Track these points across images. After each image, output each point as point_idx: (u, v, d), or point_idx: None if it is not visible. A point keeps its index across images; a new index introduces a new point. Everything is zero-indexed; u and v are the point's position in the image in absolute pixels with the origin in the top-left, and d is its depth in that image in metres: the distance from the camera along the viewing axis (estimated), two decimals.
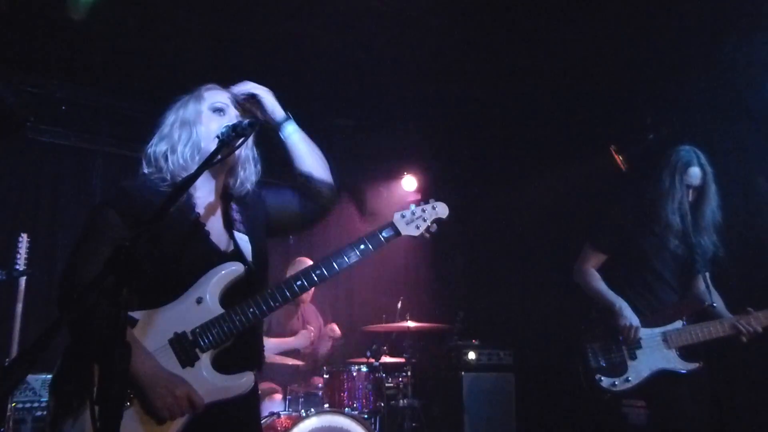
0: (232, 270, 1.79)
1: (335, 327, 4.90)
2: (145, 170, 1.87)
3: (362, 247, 1.90)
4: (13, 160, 4.72)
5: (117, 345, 1.22)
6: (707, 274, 3.14)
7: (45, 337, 1.14)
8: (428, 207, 2.02)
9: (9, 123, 4.61)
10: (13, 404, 3.51)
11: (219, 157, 1.70)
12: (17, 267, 3.70)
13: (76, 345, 1.67)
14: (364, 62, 4.49)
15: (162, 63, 4.26)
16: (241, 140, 1.72)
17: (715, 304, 3.10)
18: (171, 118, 1.92)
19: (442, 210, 2.04)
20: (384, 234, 1.96)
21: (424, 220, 2.00)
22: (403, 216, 2.00)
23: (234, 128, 1.72)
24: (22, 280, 3.70)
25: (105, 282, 1.24)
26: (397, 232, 1.97)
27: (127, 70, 4.55)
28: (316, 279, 1.85)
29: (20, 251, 3.74)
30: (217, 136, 1.76)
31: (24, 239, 3.78)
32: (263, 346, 1.98)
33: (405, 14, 3.96)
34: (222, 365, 1.74)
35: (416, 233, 1.98)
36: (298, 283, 1.83)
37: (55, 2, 3.75)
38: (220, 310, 1.74)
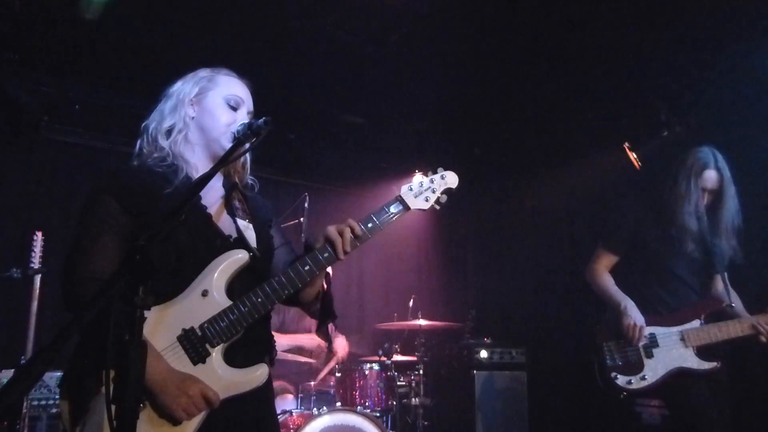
0: (236, 258, 1.73)
1: (344, 343, 4.51)
2: (143, 148, 1.85)
3: (369, 225, 1.78)
4: (27, 158, 4.75)
5: (133, 344, 1.21)
6: (725, 274, 3.10)
7: (61, 336, 1.14)
8: (437, 177, 1.89)
9: (23, 122, 4.65)
10: (29, 401, 3.53)
11: (234, 155, 1.67)
12: (32, 265, 3.71)
13: (90, 344, 1.63)
14: (374, 59, 4.47)
15: (175, 61, 4.25)
16: (255, 138, 1.69)
17: (733, 304, 3.06)
18: (181, 94, 1.89)
19: (451, 179, 1.90)
20: (392, 209, 1.82)
21: (434, 192, 1.87)
22: (410, 189, 1.86)
23: (250, 127, 1.70)
24: (37, 278, 3.71)
25: (120, 281, 1.23)
26: (406, 207, 1.84)
27: (141, 69, 4.55)
28: (323, 261, 1.76)
29: (35, 249, 3.75)
30: (234, 134, 1.76)
31: (38, 237, 3.79)
32: (273, 338, 1.91)
33: (416, 11, 3.94)
34: (234, 358, 1.69)
35: (426, 206, 1.85)
36: (306, 267, 1.74)
37: (68, 2, 3.75)
38: (227, 302, 1.68)
